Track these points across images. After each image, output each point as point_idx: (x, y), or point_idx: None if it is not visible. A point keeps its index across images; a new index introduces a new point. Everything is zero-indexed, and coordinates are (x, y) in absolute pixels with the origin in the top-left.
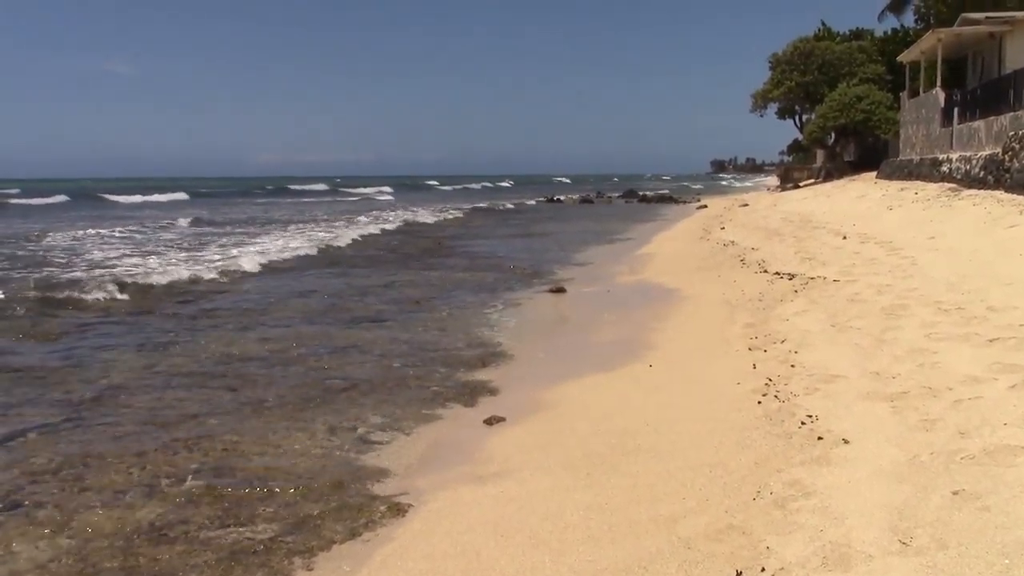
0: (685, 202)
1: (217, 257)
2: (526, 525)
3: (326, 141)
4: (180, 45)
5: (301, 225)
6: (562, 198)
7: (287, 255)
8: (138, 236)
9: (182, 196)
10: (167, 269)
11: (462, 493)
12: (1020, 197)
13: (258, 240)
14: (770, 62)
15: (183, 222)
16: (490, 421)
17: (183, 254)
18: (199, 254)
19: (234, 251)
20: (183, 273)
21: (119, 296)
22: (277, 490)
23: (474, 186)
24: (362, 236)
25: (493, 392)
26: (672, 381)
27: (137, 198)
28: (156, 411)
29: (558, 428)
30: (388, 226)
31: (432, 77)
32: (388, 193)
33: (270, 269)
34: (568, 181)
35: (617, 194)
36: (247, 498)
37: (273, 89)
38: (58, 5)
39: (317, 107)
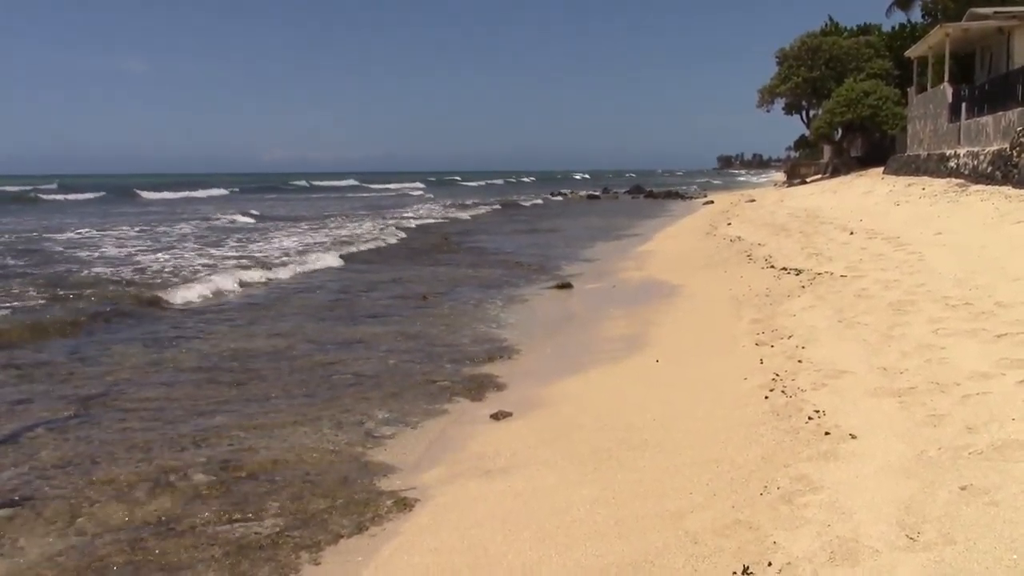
0: (692, 198)
1: (295, 254)
2: (533, 520)
3: (336, 139)
4: (191, 43)
5: (359, 220)
6: (568, 193)
7: (360, 248)
8: (210, 235)
9: (221, 191)
10: (273, 266)
11: (469, 488)
12: None
13: (329, 233)
14: (777, 57)
15: (242, 219)
16: (497, 416)
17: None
18: (283, 252)
19: (313, 243)
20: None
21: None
22: (284, 485)
23: (497, 181)
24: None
25: (500, 387)
26: (678, 377)
27: (170, 194)
28: (163, 406)
29: (565, 423)
30: (435, 220)
31: (450, 75)
32: (420, 188)
33: (351, 261)
34: (588, 177)
35: (623, 190)
36: (254, 493)
37: (282, 87)
38: (69, 6)
39: (329, 104)
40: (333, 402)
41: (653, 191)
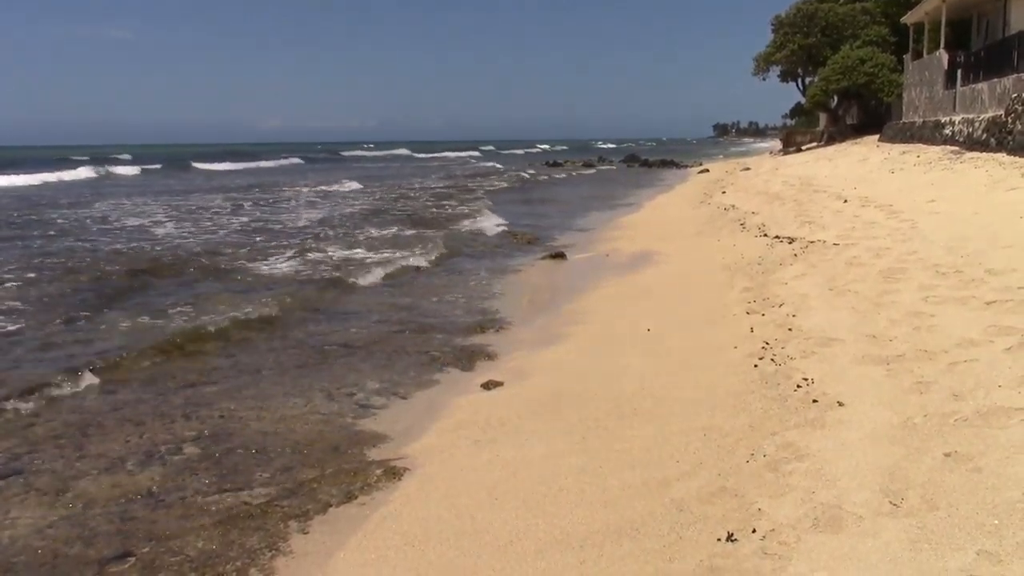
0: (686, 166)
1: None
2: (521, 489)
3: (354, 109)
4: (182, 11)
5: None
6: (562, 162)
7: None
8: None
9: (296, 161)
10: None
11: (458, 457)
12: (1022, 159)
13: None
14: (772, 24)
15: (353, 185)
16: (487, 385)
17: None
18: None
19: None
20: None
21: None
22: (273, 455)
23: (533, 150)
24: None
25: (491, 357)
26: (669, 345)
27: (239, 165)
28: (154, 378)
29: (554, 393)
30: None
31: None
32: (476, 156)
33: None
34: (613, 146)
35: (619, 158)
36: (244, 463)
37: (279, 56)
38: None
39: (355, 74)
40: (324, 372)
41: (648, 160)
